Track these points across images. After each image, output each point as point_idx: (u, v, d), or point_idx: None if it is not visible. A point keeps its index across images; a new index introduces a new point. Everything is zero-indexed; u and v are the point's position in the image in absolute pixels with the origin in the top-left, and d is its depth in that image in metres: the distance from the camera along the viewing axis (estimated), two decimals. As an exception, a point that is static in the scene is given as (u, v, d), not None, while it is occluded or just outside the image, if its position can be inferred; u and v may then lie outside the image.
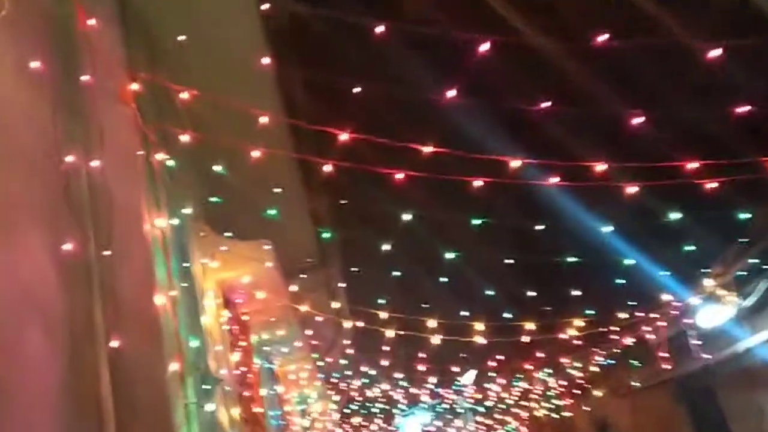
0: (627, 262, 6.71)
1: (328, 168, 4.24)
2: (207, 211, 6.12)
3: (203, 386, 4.72)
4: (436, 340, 7.02)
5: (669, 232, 7.15)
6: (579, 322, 7.17)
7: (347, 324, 7.21)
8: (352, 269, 7.75)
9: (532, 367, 9.10)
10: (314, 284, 7.43)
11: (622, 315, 7.66)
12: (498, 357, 8.81)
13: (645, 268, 7.49)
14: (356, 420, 19.52)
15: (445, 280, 7.38)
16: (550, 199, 6.27)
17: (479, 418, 20.27)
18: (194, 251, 5.61)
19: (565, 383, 13.34)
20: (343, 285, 7.29)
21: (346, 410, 18.17)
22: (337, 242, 7.13)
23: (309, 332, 8.42)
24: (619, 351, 9.93)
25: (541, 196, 6.10)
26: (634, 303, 7.81)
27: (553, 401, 14.85)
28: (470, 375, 23.28)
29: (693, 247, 7.05)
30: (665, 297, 7.67)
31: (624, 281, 7.18)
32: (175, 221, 4.57)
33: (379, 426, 21.26)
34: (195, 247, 5.69)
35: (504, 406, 16.42)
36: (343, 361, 10.83)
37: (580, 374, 12.33)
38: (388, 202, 4.68)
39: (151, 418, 3.16)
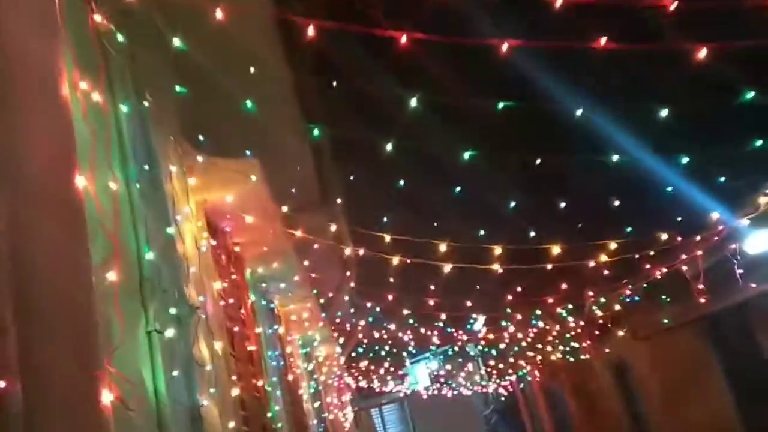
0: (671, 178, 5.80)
1: (312, 33, 3.27)
2: (182, 119, 5.24)
3: (172, 311, 3.94)
4: (447, 268, 6.32)
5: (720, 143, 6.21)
6: (612, 245, 6.25)
7: (347, 251, 6.33)
8: (351, 178, 6.75)
9: (552, 301, 8.26)
10: (309, 203, 6.55)
11: (662, 236, 6.71)
12: (517, 288, 7.96)
13: (688, 186, 6.58)
14: (364, 364, 19.05)
15: (458, 190, 6.40)
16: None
17: (491, 362, 19.68)
18: (163, 157, 4.75)
19: (584, 323, 12.56)
20: (340, 201, 6.35)
21: (353, 354, 17.66)
22: (331, 144, 6.18)
23: (306, 263, 7.59)
24: (648, 285, 9.04)
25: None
26: (675, 227, 6.85)
27: (571, 343, 14.10)
28: (481, 321, 22.72)
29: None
30: (710, 218, 6.72)
31: (668, 198, 6.25)
32: (124, 108, 3.68)
33: (387, 370, 20.85)
34: (164, 153, 4.82)
35: (517, 348, 15.73)
36: (345, 298, 10.05)
37: (602, 313, 11.53)
38: (391, 81, 3.73)
39: (70, 336, 2.29)
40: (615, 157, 5.82)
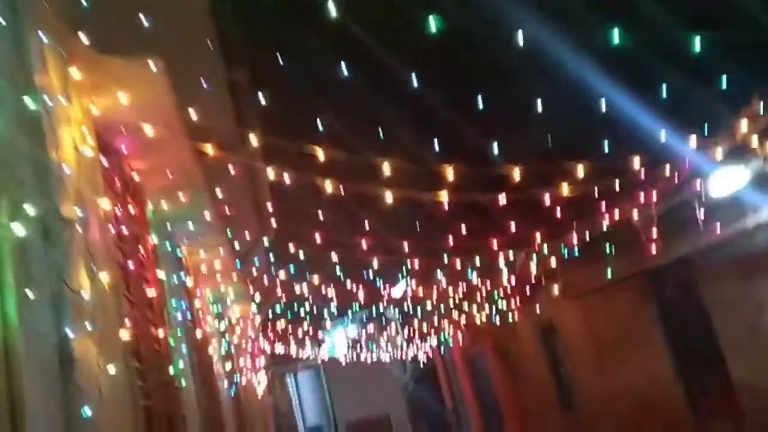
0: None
1: None
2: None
3: (31, 212, 2.93)
4: (389, 197, 5.25)
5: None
6: (579, 170, 5.40)
7: (270, 174, 5.21)
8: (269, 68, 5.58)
9: (496, 247, 7.42)
10: (222, 110, 5.44)
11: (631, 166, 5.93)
12: (461, 226, 7.02)
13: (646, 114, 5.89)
14: (281, 325, 18.05)
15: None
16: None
17: (413, 326, 18.95)
18: (30, 15, 3.59)
19: (515, 280, 11.89)
20: (262, 101, 5.16)
21: (269, 314, 16.62)
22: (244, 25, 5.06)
23: (220, 194, 6.45)
24: (591, 234, 8.33)
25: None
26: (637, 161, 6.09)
27: (500, 303, 13.44)
28: (401, 287, 21.94)
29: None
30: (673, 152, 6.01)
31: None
32: None
33: (306, 333, 19.93)
34: (32, 13, 3.66)
35: (442, 308, 15.02)
36: (265, 241, 8.90)
37: (535, 269, 10.85)
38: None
39: None
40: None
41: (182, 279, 7.80)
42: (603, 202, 7.16)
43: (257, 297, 12.76)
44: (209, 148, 4.92)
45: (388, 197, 5.01)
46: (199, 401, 6.89)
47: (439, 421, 23.70)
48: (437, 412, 23.86)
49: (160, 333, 5.56)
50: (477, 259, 8.99)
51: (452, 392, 20.75)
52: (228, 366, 10.80)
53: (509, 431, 15.54)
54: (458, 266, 9.07)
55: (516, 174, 5.07)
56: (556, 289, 10.83)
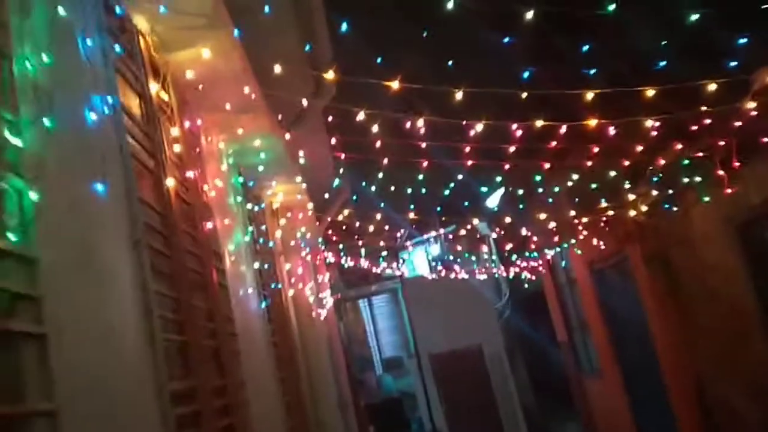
0: None
1: None
2: None
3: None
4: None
5: None
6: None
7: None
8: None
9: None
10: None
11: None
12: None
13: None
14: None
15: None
16: None
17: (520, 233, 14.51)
18: None
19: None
20: None
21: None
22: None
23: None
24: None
25: None
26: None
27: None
28: (496, 196, 17.69)
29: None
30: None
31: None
32: None
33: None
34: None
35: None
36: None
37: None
38: None
39: None
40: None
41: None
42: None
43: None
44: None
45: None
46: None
47: (544, 356, 19.44)
48: (542, 344, 19.59)
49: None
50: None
51: (566, 320, 16.32)
52: (257, 264, 6.75)
53: (669, 374, 11.01)
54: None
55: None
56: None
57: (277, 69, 5.29)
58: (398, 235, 19.49)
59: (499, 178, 11.28)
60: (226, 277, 5.14)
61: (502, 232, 16.30)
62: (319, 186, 10.23)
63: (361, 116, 6.00)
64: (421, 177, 8.84)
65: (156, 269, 3.36)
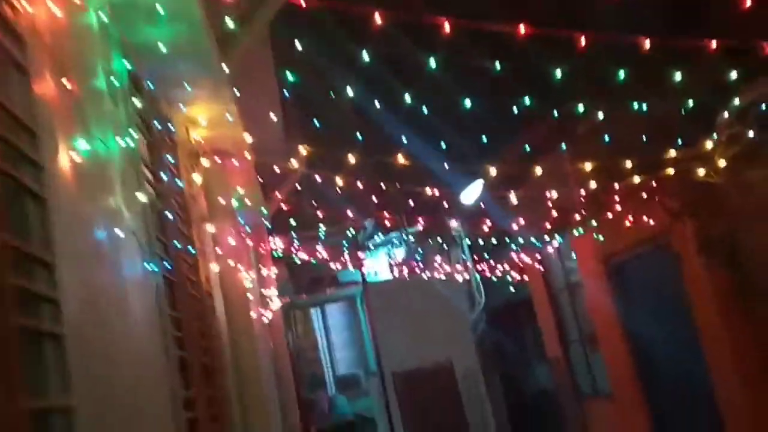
0: None
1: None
2: None
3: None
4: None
5: None
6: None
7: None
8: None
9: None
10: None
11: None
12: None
13: None
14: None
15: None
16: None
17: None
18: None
19: None
20: None
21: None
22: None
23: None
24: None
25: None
26: None
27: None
28: (473, 190, 15.12)
29: None
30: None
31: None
32: None
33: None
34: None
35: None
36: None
37: None
38: None
39: None
40: None
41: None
42: None
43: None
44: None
45: None
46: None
47: (527, 375, 16.72)
48: (525, 360, 16.89)
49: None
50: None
51: (561, 332, 13.56)
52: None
53: (726, 407, 8.21)
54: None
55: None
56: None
57: None
58: (360, 230, 16.75)
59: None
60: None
61: (480, 230, 13.60)
62: (264, 147, 7.33)
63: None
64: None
65: None
